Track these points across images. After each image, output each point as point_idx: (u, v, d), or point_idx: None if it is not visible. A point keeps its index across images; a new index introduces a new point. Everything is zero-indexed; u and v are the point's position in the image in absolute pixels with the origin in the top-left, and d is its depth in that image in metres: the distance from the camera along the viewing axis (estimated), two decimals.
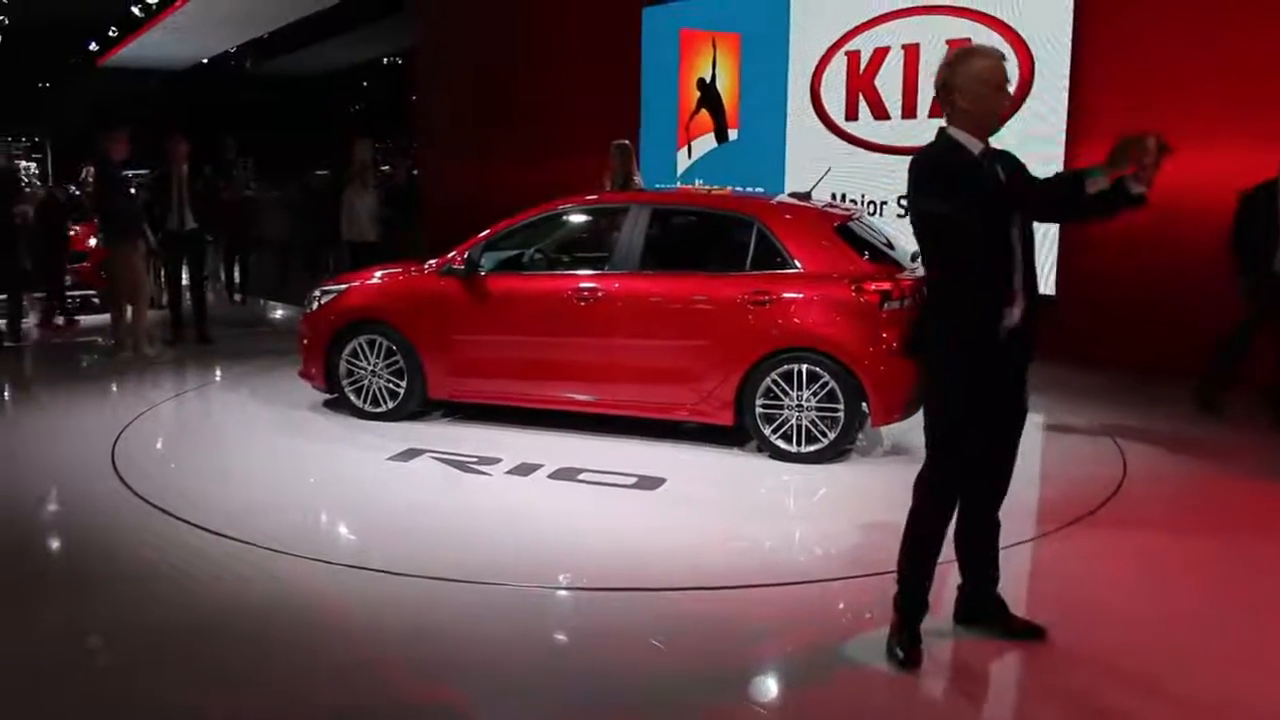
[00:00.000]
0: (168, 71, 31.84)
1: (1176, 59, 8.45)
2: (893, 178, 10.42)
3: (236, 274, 14.50)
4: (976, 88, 3.56)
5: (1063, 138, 9.08)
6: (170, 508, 5.44)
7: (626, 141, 8.72)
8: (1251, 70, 8.11)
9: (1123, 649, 3.99)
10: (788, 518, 5.75)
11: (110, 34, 27.56)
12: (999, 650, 3.99)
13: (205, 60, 30.83)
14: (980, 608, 4.07)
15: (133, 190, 9.81)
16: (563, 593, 4.61)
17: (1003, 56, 3.64)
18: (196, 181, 10.18)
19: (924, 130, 10.14)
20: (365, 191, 11.42)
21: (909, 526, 3.90)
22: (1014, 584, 4.43)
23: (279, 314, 13.44)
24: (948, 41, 9.86)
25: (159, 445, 7.04)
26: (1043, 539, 5.20)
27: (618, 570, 4.77)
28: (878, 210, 10.40)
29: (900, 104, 10.43)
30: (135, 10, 25.07)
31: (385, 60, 31.92)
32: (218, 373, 9.35)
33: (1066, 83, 9.16)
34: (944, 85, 3.62)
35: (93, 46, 29.71)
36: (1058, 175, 3.61)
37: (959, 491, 3.84)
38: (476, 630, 4.17)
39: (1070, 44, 9.02)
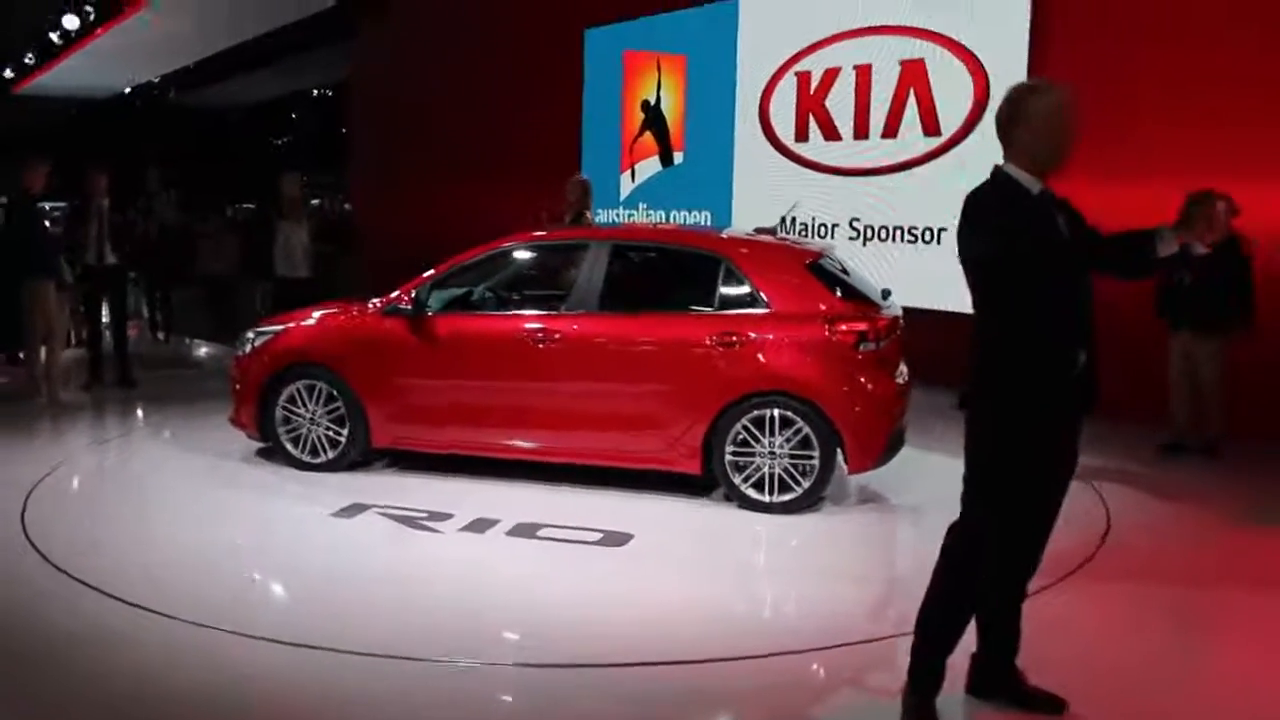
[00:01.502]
0: (88, 101, 30.85)
1: (1131, 80, 8.33)
2: (844, 200, 10.21)
3: (159, 312, 13.81)
4: (1049, 123, 3.33)
5: None
6: (85, 575, 4.87)
7: (586, 177, 8.34)
8: (1197, 92, 8.01)
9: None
10: (763, 576, 5.40)
11: (26, 61, 26.55)
12: None
13: (127, 90, 29.93)
14: (996, 678, 3.73)
15: (47, 224, 9.17)
16: (518, 669, 4.17)
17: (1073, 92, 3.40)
18: (116, 215, 9.56)
19: (875, 151, 9.99)
20: (298, 226, 10.89)
21: (939, 587, 3.56)
22: (1023, 645, 4.09)
23: (204, 352, 12.80)
24: (901, 62, 9.73)
25: (74, 502, 6.42)
26: (1043, 593, 4.86)
27: (580, 642, 4.33)
28: (829, 233, 10.13)
29: (852, 125, 10.22)
30: (54, 37, 24.16)
31: (315, 92, 31.28)
32: (140, 418, 8.74)
33: None
34: (1009, 119, 3.38)
35: (8, 74, 28.63)
36: (1126, 234, 3.36)
37: (1008, 549, 3.51)
38: (418, 716, 3.74)
39: (1026, 66, 8.86)
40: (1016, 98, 3.39)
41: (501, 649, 4.33)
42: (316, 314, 7.04)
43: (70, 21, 21.54)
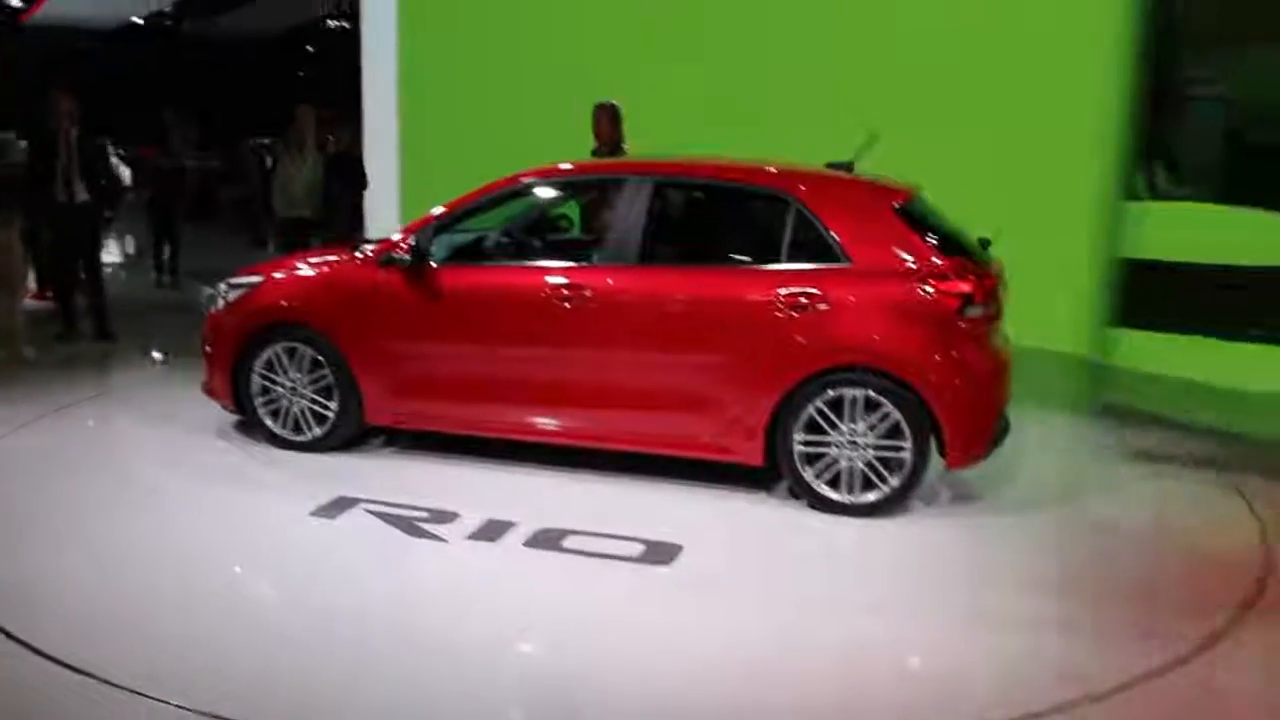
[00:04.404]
0: (95, 31, 29.58)
1: None
2: None
3: (166, 252, 12.78)
4: None
5: None
6: None
7: (615, 102, 7.09)
8: None
9: None
10: (859, 609, 4.13)
11: None
12: None
13: (138, 20, 28.61)
14: None
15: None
16: None
17: None
18: (88, 143, 8.40)
19: None
20: (301, 161, 9.80)
21: None
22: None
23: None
24: None
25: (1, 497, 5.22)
26: (1199, 657, 3.72)
27: (618, 712, 3.24)
28: None
29: None
30: None
31: (332, 24, 29.86)
32: (111, 379, 7.66)
33: None
34: None
35: (14, 1, 27.41)
36: None
37: None
38: None
39: None
40: None
41: None
42: (301, 264, 5.89)
43: None
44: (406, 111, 12.40)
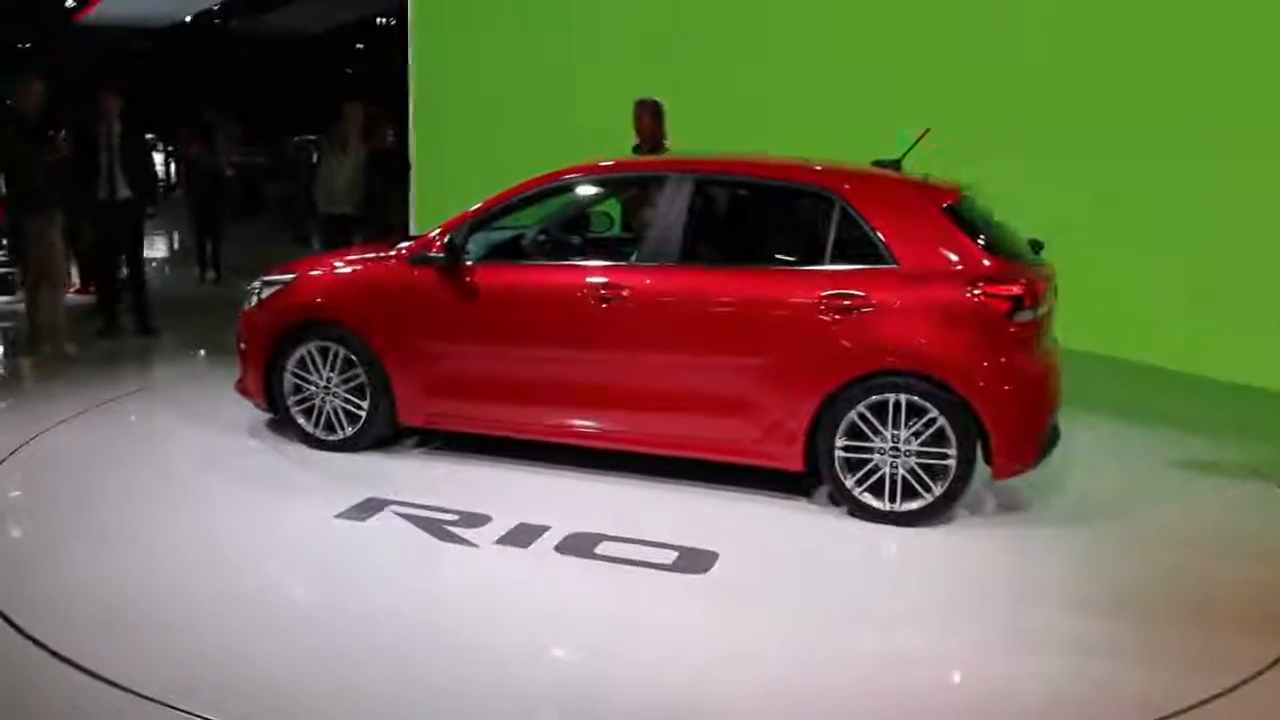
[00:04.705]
0: (145, 30, 29.92)
1: None
2: None
3: (210, 249, 12.85)
4: None
5: None
6: (15, 613, 3.74)
7: (658, 99, 6.95)
8: None
9: None
10: (896, 622, 3.98)
11: None
12: None
13: (187, 19, 28.90)
14: None
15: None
16: None
17: None
18: (131, 141, 8.41)
19: None
20: (344, 157, 9.79)
21: None
22: None
23: None
24: None
25: (33, 491, 5.18)
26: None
27: None
28: None
29: None
30: None
31: (379, 21, 29.99)
32: (148, 377, 7.67)
33: None
34: None
35: (69, 1, 27.80)
36: None
37: None
38: None
39: None
40: None
41: None
42: (336, 261, 5.83)
43: None
44: (421, 109, 12.25)
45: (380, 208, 9.95)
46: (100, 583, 4.04)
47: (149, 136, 10.41)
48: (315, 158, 14.95)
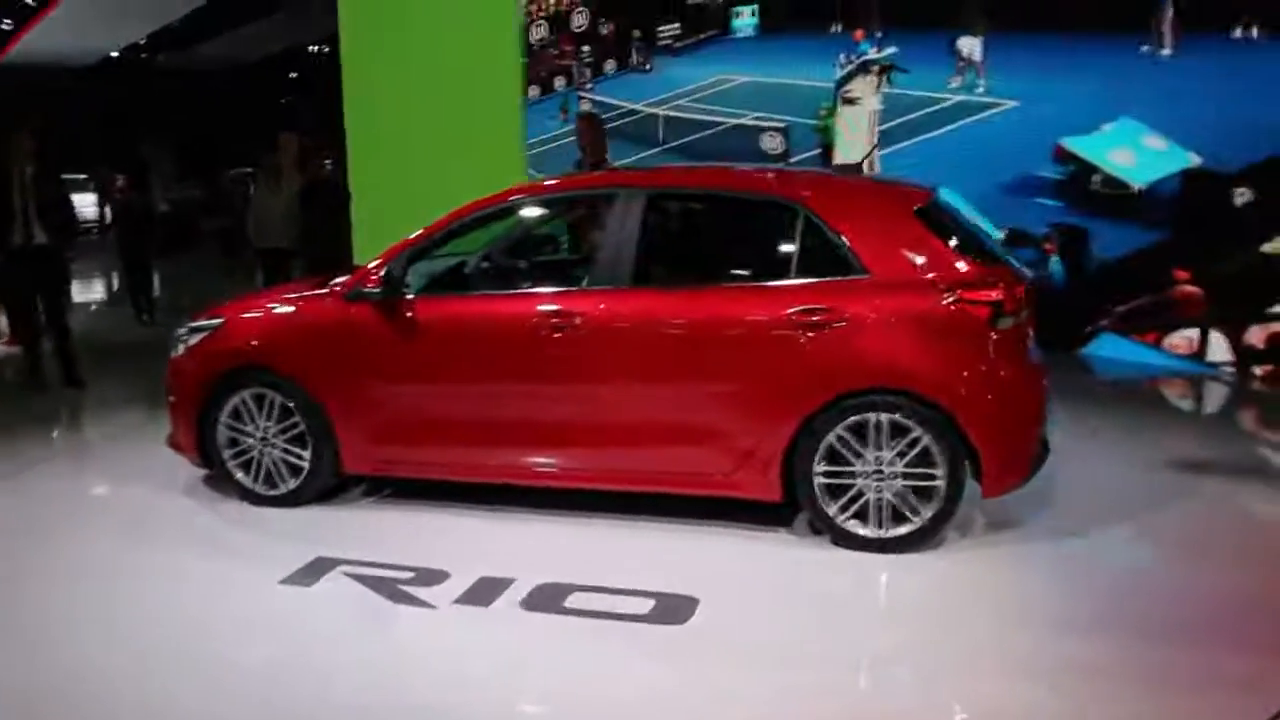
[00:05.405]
0: (73, 68, 29.15)
1: None
2: None
3: (140, 291, 12.34)
4: None
5: None
6: None
7: (596, 111, 6.64)
8: None
9: None
10: (887, 661, 3.69)
11: (4, 27, 24.85)
12: None
13: (114, 54, 28.16)
14: None
15: None
16: None
17: None
18: (47, 184, 7.93)
19: None
20: (278, 189, 9.40)
21: None
22: None
23: None
24: None
25: None
26: None
27: None
28: None
29: None
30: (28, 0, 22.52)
31: (314, 49, 29.44)
32: (73, 432, 7.19)
33: None
34: None
35: None
36: None
37: None
38: None
39: None
40: None
41: None
42: (266, 301, 5.43)
43: None
44: (356, 136, 11.86)
45: (319, 240, 9.54)
46: (12, 693, 3.60)
47: (81, 177, 9.97)
48: (252, 190, 14.58)
